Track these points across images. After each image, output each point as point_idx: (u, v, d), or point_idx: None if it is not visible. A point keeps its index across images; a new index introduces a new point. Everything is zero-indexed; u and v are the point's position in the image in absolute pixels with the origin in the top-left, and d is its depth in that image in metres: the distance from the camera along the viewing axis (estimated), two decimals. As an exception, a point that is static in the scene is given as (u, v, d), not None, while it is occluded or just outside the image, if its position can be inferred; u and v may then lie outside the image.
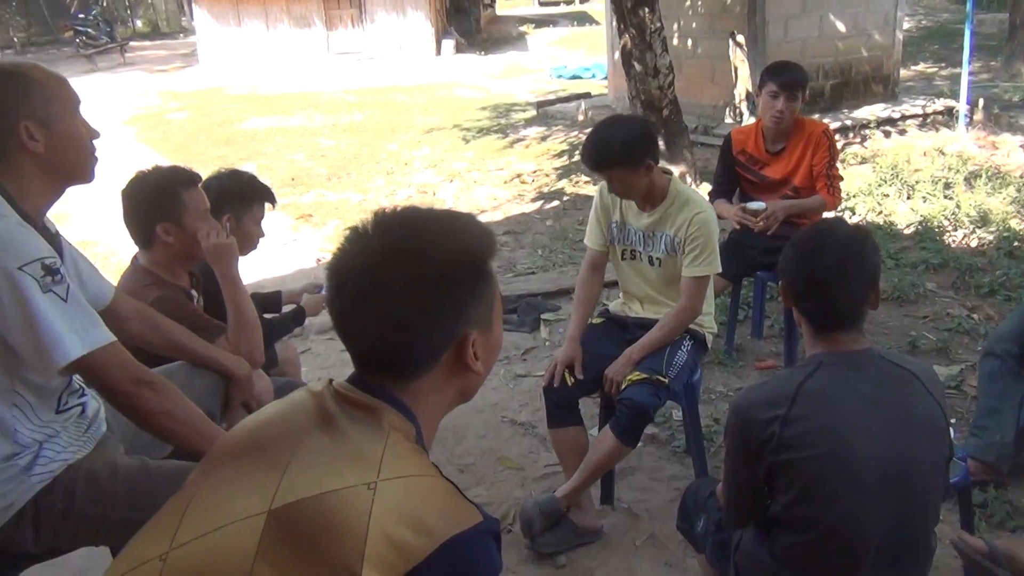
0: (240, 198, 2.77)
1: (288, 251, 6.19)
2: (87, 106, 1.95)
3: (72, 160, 1.83)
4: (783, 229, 3.70)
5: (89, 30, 21.13)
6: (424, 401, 1.18)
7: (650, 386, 2.70)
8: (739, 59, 7.95)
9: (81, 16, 21.94)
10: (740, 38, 7.96)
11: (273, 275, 5.48)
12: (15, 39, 25.63)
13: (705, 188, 6.96)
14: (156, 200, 2.41)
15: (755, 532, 1.86)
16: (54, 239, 1.88)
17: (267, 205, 2.90)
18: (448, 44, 20.23)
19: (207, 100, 14.29)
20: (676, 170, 6.98)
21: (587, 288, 3.05)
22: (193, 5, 20.65)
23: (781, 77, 3.61)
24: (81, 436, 1.89)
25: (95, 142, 1.88)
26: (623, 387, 2.73)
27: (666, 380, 2.74)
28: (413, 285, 1.11)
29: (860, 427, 1.66)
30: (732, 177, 3.88)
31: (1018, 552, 1.95)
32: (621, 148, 2.74)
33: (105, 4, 26.76)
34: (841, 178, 3.81)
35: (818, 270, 1.74)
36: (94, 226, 6.66)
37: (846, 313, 1.75)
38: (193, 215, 2.41)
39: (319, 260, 5.96)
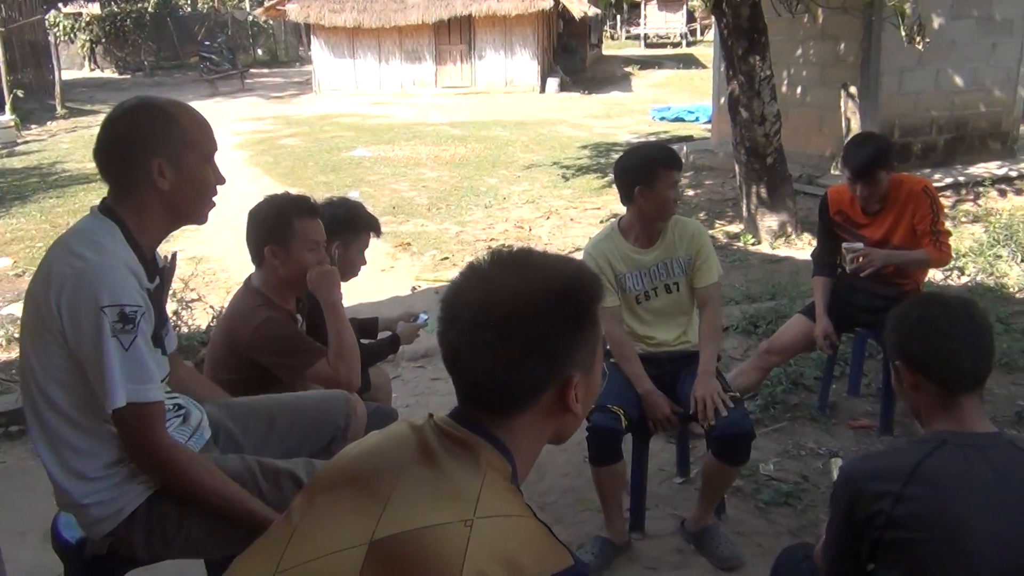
0: (349, 226, 2.89)
1: (385, 278, 6.35)
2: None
3: (193, 202, 1.91)
4: (886, 289, 3.60)
5: (213, 56, 22.38)
6: (521, 439, 1.21)
7: (737, 407, 2.81)
8: (851, 111, 7.80)
9: (207, 44, 23.27)
10: (852, 89, 7.81)
11: (369, 300, 5.62)
12: (145, 63, 27.26)
13: (806, 238, 6.85)
14: (269, 223, 2.53)
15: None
16: (160, 271, 1.97)
17: (372, 235, 3.01)
18: (553, 82, 20.50)
19: (318, 127, 14.85)
20: (777, 219, 6.88)
21: (627, 341, 3.09)
22: (312, 36, 21.56)
23: (851, 164, 3.44)
24: (185, 443, 1.98)
25: (219, 188, 1.96)
26: (713, 420, 2.77)
27: (739, 395, 2.89)
28: (524, 324, 1.15)
29: (979, 517, 1.58)
30: (832, 240, 3.76)
31: None
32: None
33: (230, 33, 28.22)
34: (949, 233, 3.64)
35: (938, 328, 1.70)
36: (207, 243, 6.99)
37: (971, 371, 1.69)
38: (301, 243, 2.51)
39: (415, 288, 6.10)
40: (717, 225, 7.47)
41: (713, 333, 3.03)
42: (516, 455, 1.20)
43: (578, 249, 7.04)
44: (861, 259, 3.47)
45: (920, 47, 6.95)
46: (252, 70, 25.97)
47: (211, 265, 6.53)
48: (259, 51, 31.46)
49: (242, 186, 9.07)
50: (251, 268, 2.63)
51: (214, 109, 16.35)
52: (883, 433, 3.79)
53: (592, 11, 20.88)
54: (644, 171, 2.97)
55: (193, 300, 5.32)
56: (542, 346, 1.17)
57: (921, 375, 1.73)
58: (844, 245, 3.55)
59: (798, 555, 2.13)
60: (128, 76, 26.52)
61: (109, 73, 27.52)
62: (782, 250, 6.67)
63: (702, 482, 3.01)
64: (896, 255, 3.53)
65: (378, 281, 6.18)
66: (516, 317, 1.15)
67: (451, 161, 11.31)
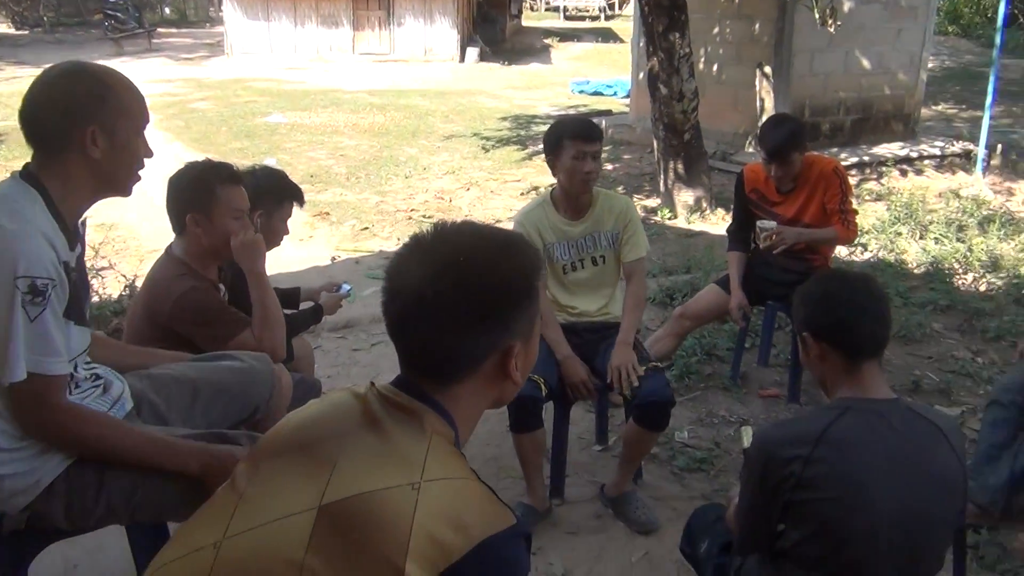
0: (273, 195, 2.85)
1: (304, 248, 6.26)
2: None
3: (121, 173, 1.88)
4: (797, 264, 3.75)
5: (119, 14, 21.38)
6: (462, 405, 1.26)
7: (657, 375, 2.91)
8: (765, 90, 8.01)
9: (112, 0, 22.17)
10: (767, 69, 8.01)
11: (288, 271, 5.54)
12: (45, 18, 25.89)
13: (720, 213, 7.04)
14: (191, 190, 2.48)
15: (758, 560, 1.91)
16: (82, 240, 1.94)
17: (295, 205, 2.98)
18: (472, 52, 20.37)
19: (231, 92, 14.42)
20: (693, 194, 7.05)
21: (549, 308, 3.15)
22: (224, -3, 20.86)
23: (766, 145, 3.58)
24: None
25: (147, 161, 1.93)
26: (635, 385, 2.87)
27: (660, 364, 3.03)
28: (468, 296, 1.19)
29: (880, 478, 1.70)
30: (747, 216, 3.90)
31: None
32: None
33: (136, -11, 27.05)
34: (856, 212, 3.82)
35: (841, 301, 1.81)
36: (116, 208, 6.73)
37: (870, 340, 1.80)
38: (224, 211, 2.47)
39: (334, 258, 6.03)
40: (635, 199, 7.57)
41: (636, 306, 3.12)
42: (458, 420, 1.25)
43: (499, 221, 7.08)
44: (774, 237, 3.62)
45: (832, 30, 7.18)
46: (160, 30, 24.95)
47: (121, 232, 6.32)
48: (167, 10, 30.27)
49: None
50: (164, 236, 2.58)
51: (120, 70, 15.60)
52: (791, 401, 3.97)
53: (513, -18, 20.78)
54: (552, 142, 3.05)
55: (104, 268, 5.15)
56: (485, 317, 1.21)
57: (826, 345, 1.84)
58: (758, 224, 3.69)
59: (710, 516, 2.24)
60: (26, 32, 25.12)
61: (5, 28, 26.02)
62: (697, 225, 6.85)
63: (622, 448, 3.11)
64: (806, 233, 3.69)
65: (297, 251, 6.09)
66: (460, 289, 1.19)
67: (370, 130, 11.17)
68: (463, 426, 1.26)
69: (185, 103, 13.16)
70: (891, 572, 1.72)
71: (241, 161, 6.37)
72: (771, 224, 3.65)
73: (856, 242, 6.09)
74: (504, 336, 1.24)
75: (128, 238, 6.15)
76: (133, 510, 1.93)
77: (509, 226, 6.79)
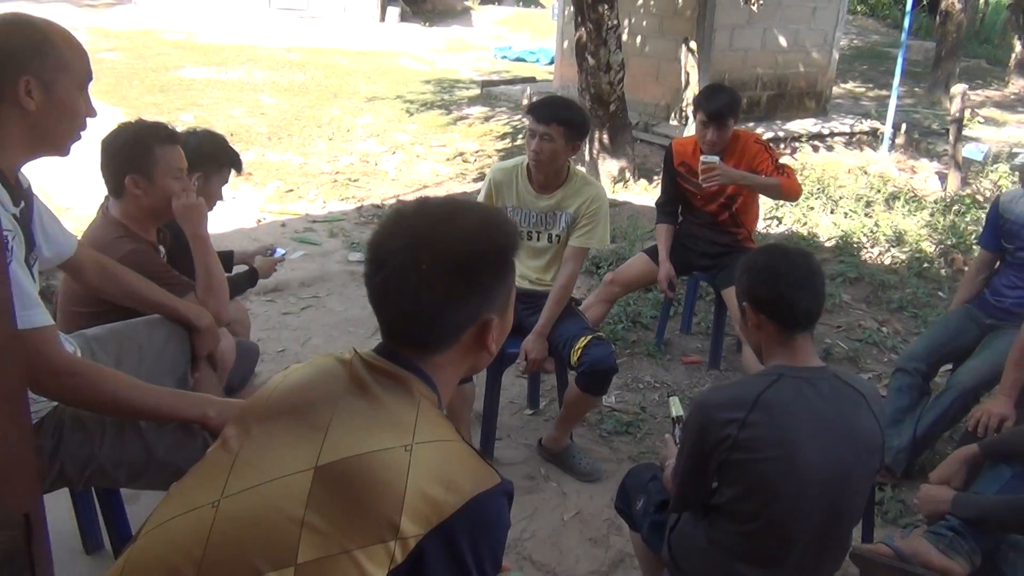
0: (213, 159, 2.82)
1: (227, 209, 6.13)
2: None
3: (59, 130, 1.80)
4: (723, 237, 3.91)
5: (16, -46, 20.16)
6: (442, 373, 1.32)
7: (601, 344, 3.02)
8: (691, 65, 8.15)
9: (8, -61, 20.88)
10: (693, 45, 8.16)
11: (212, 233, 5.42)
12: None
13: (643, 184, 7.20)
14: (128, 151, 2.43)
15: (693, 516, 2.04)
16: (25, 194, 1.88)
17: (233, 171, 2.95)
18: (393, 12, 19.99)
19: (141, 43, 13.84)
20: (617, 165, 7.18)
21: None
22: (131, -59, 19.86)
23: (708, 108, 3.69)
24: None
25: (89, 121, 1.86)
26: (578, 353, 2.98)
27: (601, 334, 3.16)
28: (448, 269, 1.25)
29: (808, 439, 1.83)
30: (675, 189, 4.01)
31: (919, 548, 2.19)
32: (575, 115, 3.09)
33: (34, -72, 25.48)
34: (793, 169, 3.91)
35: (782, 275, 1.92)
36: (33, 166, 6.46)
37: (805, 313, 1.92)
38: (164, 172, 2.44)
39: (259, 220, 5.94)
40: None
41: (561, 297, 3.16)
42: (439, 386, 1.31)
43: (425, 186, 7.09)
44: (710, 171, 3.68)
45: (755, 8, 7.36)
46: (60, -27, 23.66)
47: (42, 192, 6.06)
48: (68, -48, 28.66)
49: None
50: (88, 194, 2.52)
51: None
52: (711, 367, 4.15)
53: (435, -60, 20.45)
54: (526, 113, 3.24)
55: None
56: (466, 291, 1.27)
57: (764, 315, 1.96)
58: (702, 157, 3.73)
59: (644, 476, 2.36)
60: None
61: None
62: (621, 194, 6.99)
63: (563, 409, 3.24)
64: (749, 176, 3.74)
65: (220, 212, 5.95)
66: (442, 264, 1.24)
67: (289, 88, 10.91)
68: (444, 391, 1.33)
69: (92, 54, 12.36)
70: (816, 523, 1.87)
71: (157, 116, 6.17)
72: (715, 158, 3.70)
73: (771, 215, 6.35)
74: (482, 308, 1.30)
75: (50, 196, 5.91)
76: (89, 476, 1.93)
77: (436, 192, 6.86)
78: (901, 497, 3.18)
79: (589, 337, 3.02)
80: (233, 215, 5.96)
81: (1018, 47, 13.99)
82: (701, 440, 1.91)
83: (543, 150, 3.06)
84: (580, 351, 2.98)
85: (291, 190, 6.70)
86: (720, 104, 3.67)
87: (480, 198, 3.32)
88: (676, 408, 2.42)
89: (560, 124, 3.03)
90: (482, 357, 1.37)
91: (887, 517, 3.08)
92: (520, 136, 8.69)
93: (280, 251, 3.49)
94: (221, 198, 3.01)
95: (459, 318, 1.29)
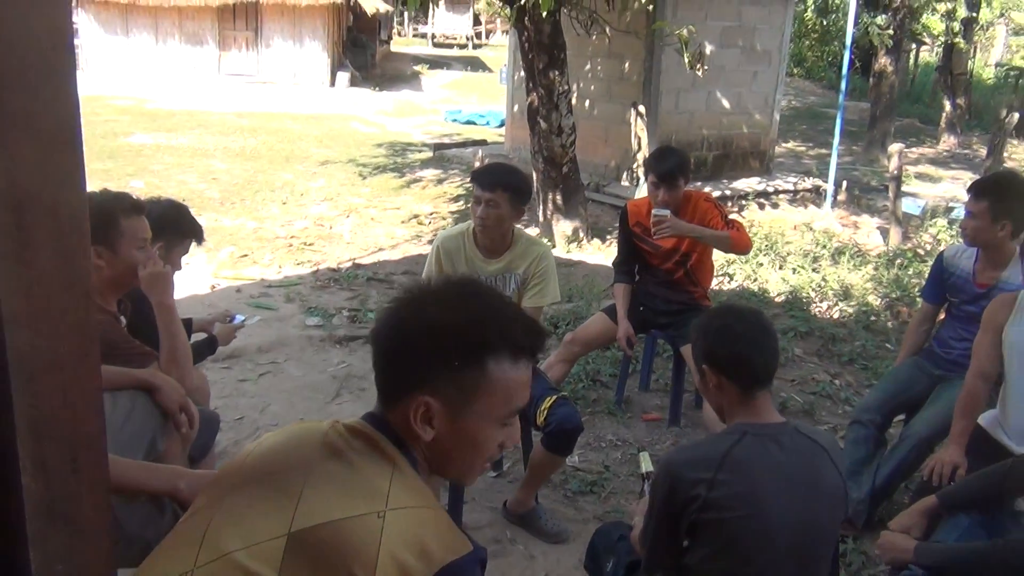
0: (175, 230, 2.83)
1: (181, 275, 6.06)
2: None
3: None
4: (678, 295, 3.99)
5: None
6: (408, 432, 1.30)
7: (566, 404, 3.05)
8: (640, 128, 8.36)
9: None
10: (642, 109, 8.39)
11: (166, 299, 5.38)
12: None
13: (596, 243, 7.32)
14: (93, 223, 2.40)
15: (665, 576, 2.05)
16: None
17: (194, 242, 2.96)
18: (343, 76, 20.26)
19: (89, 109, 13.76)
20: (571, 225, 7.30)
21: None
22: (79, 8, 19.87)
23: (658, 170, 3.77)
24: None
25: None
26: (544, 414, 3.00)
27: (566, 394, 3.20)
28: (408, 331, 1.30)
29: (776, 495, 1.87)
30: (631, 249, 4.09)
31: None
32: (519, 180, 3.18)
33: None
34: (743, 224, 4.02)
35: (737, 336, 1.98)
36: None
37: (763, 371, 1.97)
38: (129, 243, 2.43)
39: (213, 287, 5.89)
40: (513, 228, 7.75)
41: None
42: (413, 445, 1.31)
43: (381, 248, 7.11)
44: (660, 224, 3.74)
45: (700, 74, 7.61)
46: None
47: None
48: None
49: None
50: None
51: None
52: (671, 424, 4.19)
53: (384, 7, 20.83)
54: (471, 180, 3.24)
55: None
56: (406, 352, 1.30)
57: (724, 376, 2.01)
58: (654, 210, 3.79)
59: (614, 534, 2.36)
60: None
61: None
62: (576, 254, 7.09)
63: (528, 470, 3.24)
64: (697, 229, 3.80)
65: (174, 279, 5.89)
66: (406, 326, 1.31)
67: (241, 153, 10.93)
68: (419, 453, 1.32)
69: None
70: None
71: (105, 184, 6.13)
72: (666, 212, 3.76)
73: (723, 272, 6.48)
74: (412, 382, 1.29)
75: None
76: None
77: (392, 255, 6.88)
78: (863, 548, 3.22)
79: (554, 397, 3.04)
80: (187, 281, 5.90)
81: (947, 107, 14.66)
82: (670, 501, 1.93)
83: (489, 216, 3.13)
84: (546, 411, 3.00)
85: (245, 255, 6.66)
86: (670, 165, 3.78)
87: (427, 267, 3.38)
88: (646, 463, 2.44)
89: (505, 190, 3.11)
90: (421, 444, 1.31)
91: (850, 569, 3.12)
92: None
93: (239, 317, 3.48)
94: (180, 268, 3.00)
95: (400, 380, 1.31)
